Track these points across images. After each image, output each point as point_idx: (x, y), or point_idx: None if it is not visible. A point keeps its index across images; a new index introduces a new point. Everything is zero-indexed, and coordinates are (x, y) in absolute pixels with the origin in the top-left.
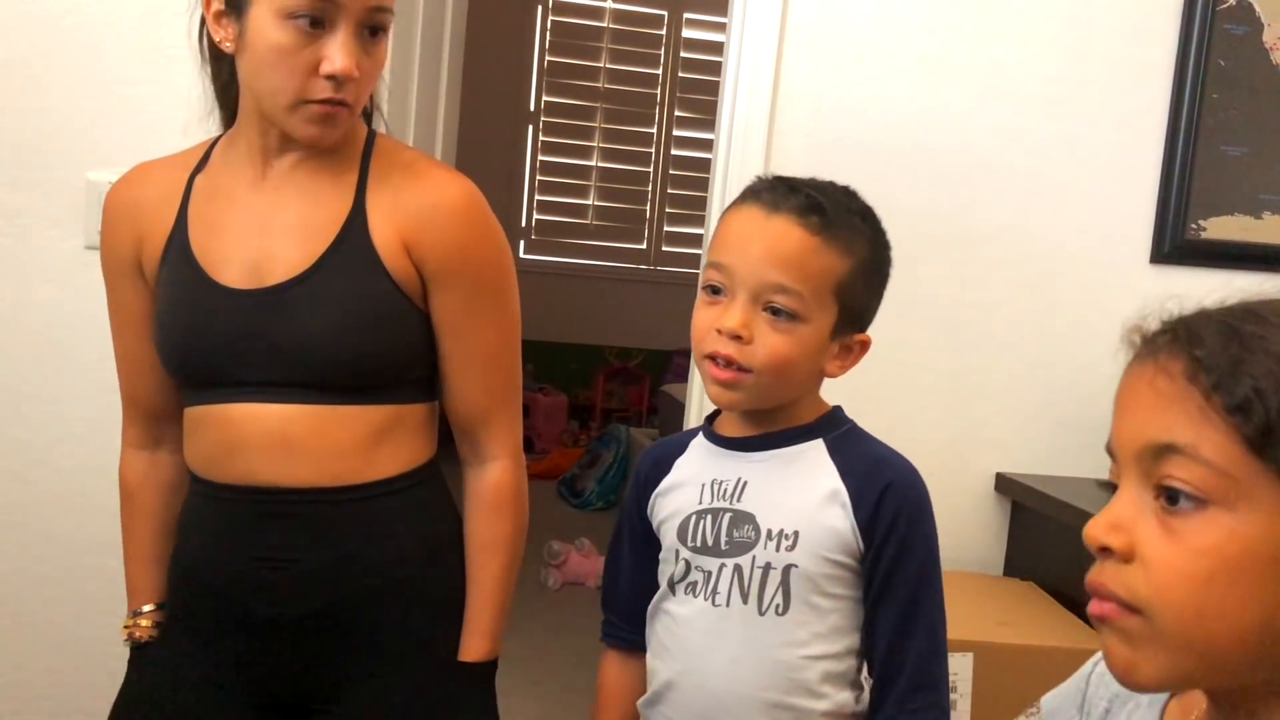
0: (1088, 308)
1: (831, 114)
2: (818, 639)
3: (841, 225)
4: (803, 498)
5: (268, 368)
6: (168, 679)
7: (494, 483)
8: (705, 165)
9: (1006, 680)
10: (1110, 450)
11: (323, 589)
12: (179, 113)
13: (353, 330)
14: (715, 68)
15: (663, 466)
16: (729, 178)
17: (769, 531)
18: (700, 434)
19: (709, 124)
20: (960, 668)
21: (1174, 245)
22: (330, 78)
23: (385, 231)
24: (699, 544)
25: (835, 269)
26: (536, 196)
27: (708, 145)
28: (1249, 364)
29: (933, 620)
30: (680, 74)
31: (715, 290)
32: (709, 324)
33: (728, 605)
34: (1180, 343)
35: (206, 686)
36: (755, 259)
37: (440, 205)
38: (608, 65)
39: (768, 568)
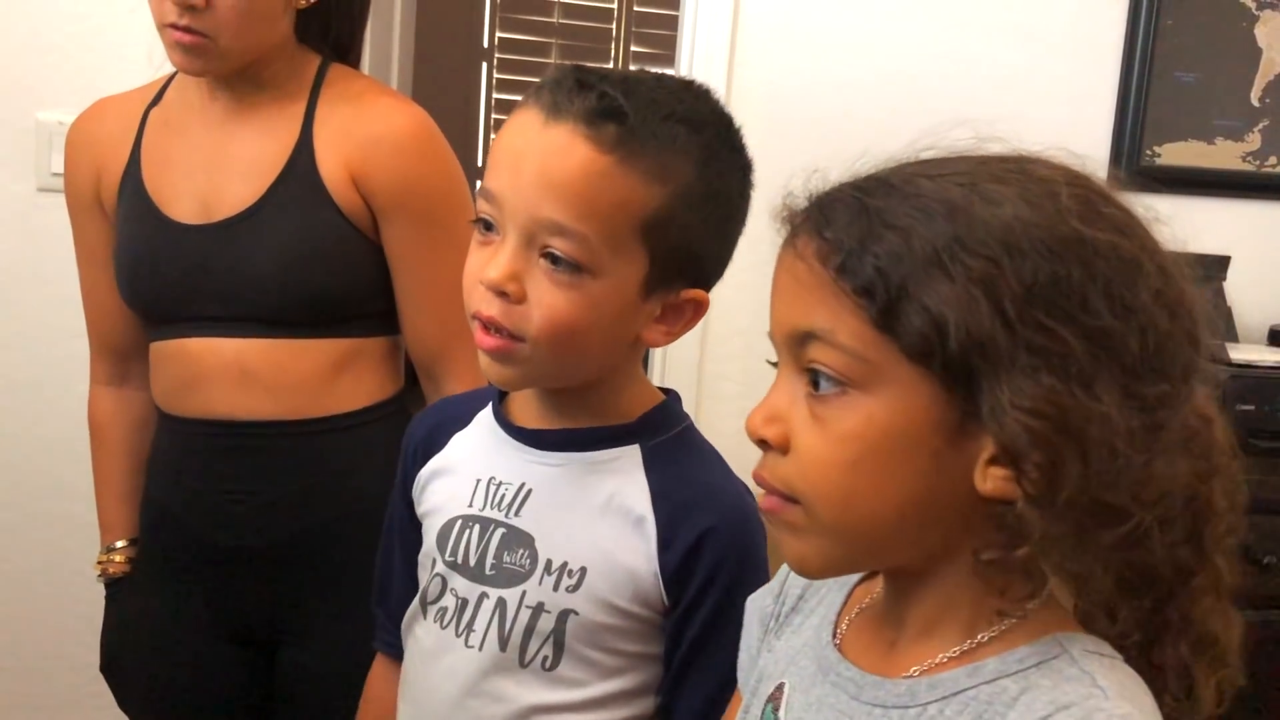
0: None
1: (792, 43)
2: (595, 706)
3: (651, 137)
4: (599, 524)
5: (221, 302)
6: (144, 613)
7: None
8: None
9: None
10: (770, 337)
11: (284, 521)
12: (127, 49)
13: (301, 264)
14: (672, 1)
15: (437, 438)
16: None
17: (549, 563)
18: (490, 406)
19: (666, 59)
20: None
21: (1130, 172)
22: (175, 2)
23: (332, 163)
24: (459, 560)
25: (639, 200)
26: (492, 135)
27: None
28: (872, 241)
29: None
30: (636, 8)
31: (487, 226)
32: (475, 274)
33: (481, 649)
34: (813, 223)
35: (179, 619)
36: (525, 185)
37: (386, 135)
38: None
39: (539, 609)
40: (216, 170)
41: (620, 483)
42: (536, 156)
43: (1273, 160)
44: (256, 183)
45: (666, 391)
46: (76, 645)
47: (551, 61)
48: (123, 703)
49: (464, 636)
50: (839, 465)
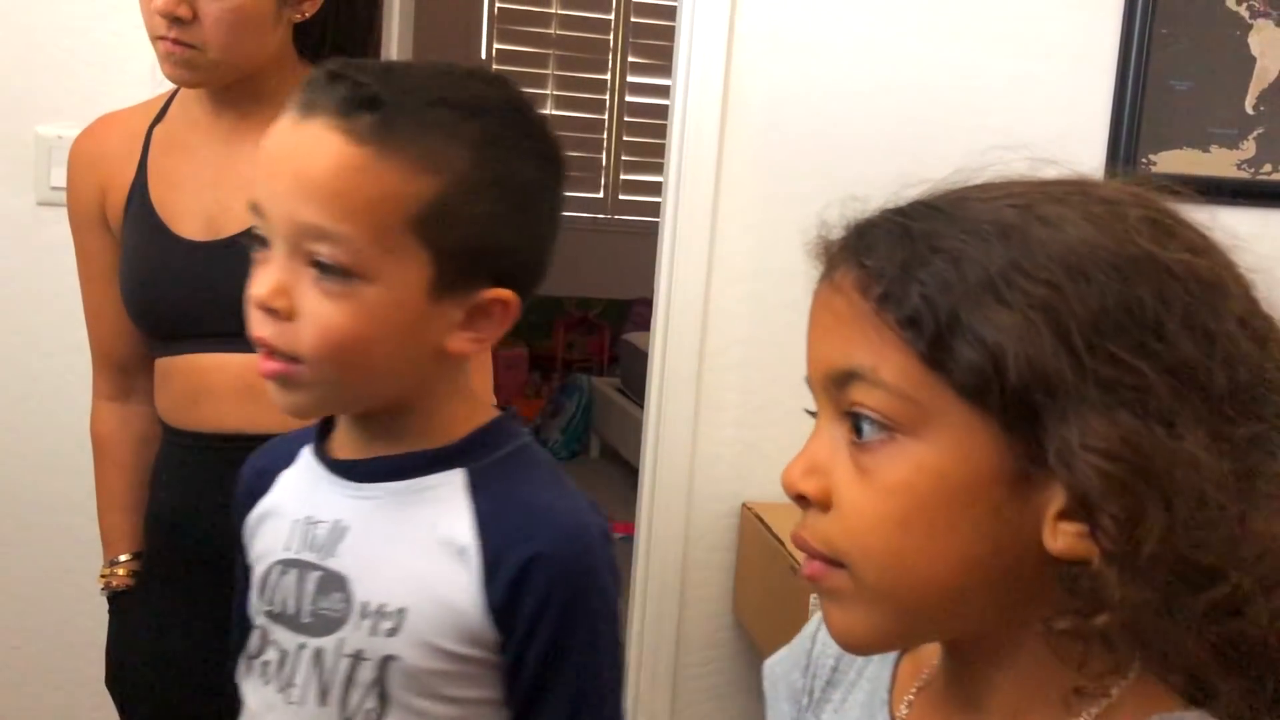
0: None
1: (788, 54)
2: None
3: (413, 124)
4: (419, 558)
5: (229, 318)
6: (150, 627)
7: None
8: (662, 111)
9: None
10: (808, 382)
11: None
12: (127, 63)
13: None
14: (670, 12)
15: (265, 480)
16: (686, 123)
17: (364, 606)
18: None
19: (665, 69)
20: None
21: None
22: (162, 15)
23: None
24: (276, 609)
25: (406, 193)
26: None
27: (664, 91)
28: (917, 268)
29: None
30: (633, 19)
31: (262, 242)
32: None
33: (302, 704)
34: (851, 252)
35: (186, 631)
36: (282, 190)
37: None
38: (559, 11)
39: (358, 657)
40: (222, 187)
41: (442, 511)
42: (289, 157)
43: (1267, 168)
44: None
45: (504, 408)
46: (76, 658)
47: (550, 73)
48: (126, 715)
49: (285, 692)
50: (888, 522)
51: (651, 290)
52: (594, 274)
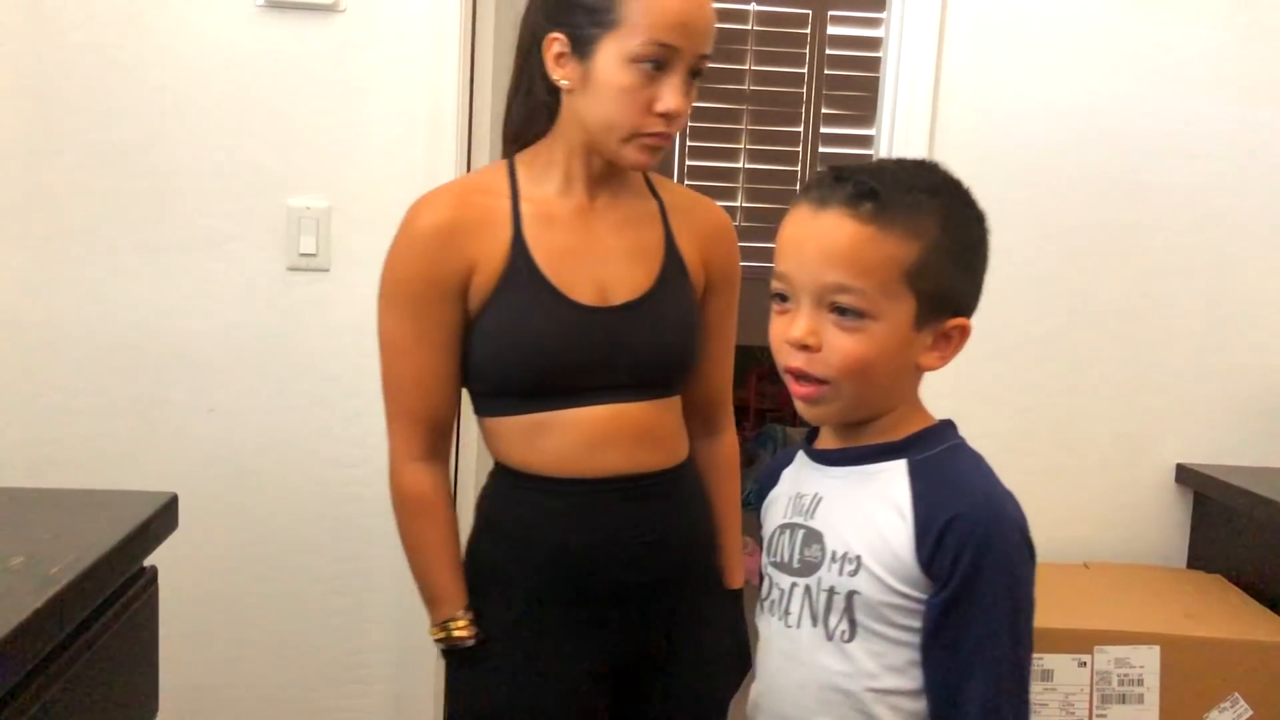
0: (1268, 292)
1: (995, 106)
2: (890, 672)
3: (900, 206)
4: (870, 518)
5: (623, 372)
6: (514, 676)
7: (730, 447)
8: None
9: (1195, 673)
10: None
11: (670, 555)
12: (365, 140)
13: (688, 334)
14: (863, 64)
15: (773, 478)
16: None
17: (834, 553)
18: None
19: (858, 120)
20: (1147, 660)
21: None
22: (664, 115)
23: (689, 251)
24: (778, 559)
25: (899, 256)
26: None
27: (857, 141)
28: None
29: (998, 670)
30: (827, 71)
31: (783, 298)
32: (780, 336)
33: (798, 627)
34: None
35: (559, 679)
36: (809, 261)
37: (721, 226)
38: (752, 67)
39: (831, 592)
40: (609, 259)
41: (887, 485)
42: (814, 238)
43: None
44: (645, 269)
45: (945, 422)
46: (402, 712)
47: (743, 128)
48: None
49: (785, 619)
50: None
51: None
52: None
